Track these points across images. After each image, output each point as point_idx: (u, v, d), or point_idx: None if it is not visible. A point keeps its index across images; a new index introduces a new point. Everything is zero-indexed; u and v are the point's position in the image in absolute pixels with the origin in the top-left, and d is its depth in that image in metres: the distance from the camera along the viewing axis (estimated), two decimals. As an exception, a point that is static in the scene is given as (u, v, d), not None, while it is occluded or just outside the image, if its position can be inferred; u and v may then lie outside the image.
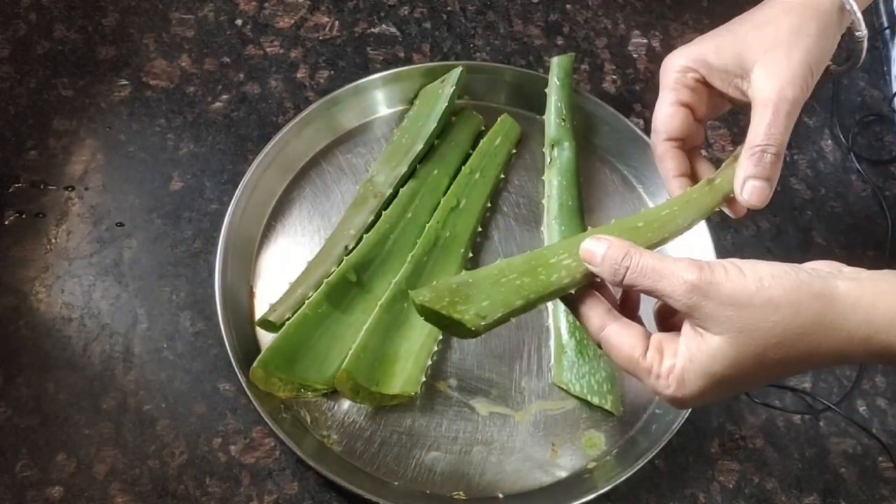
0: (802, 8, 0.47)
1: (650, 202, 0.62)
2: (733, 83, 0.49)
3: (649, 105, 0.67)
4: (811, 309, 0.37)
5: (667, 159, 0.51)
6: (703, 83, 0.50)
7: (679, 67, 0.49)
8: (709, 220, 0.59)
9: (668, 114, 0.50)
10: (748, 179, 0.46)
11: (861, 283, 0.37)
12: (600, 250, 0.41)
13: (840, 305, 0.37)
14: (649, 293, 0.40)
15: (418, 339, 0.54)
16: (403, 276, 0.54)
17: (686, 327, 0.39)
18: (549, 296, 0.43)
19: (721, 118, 0.67)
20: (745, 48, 0.47)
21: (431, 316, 0.42)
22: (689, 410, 0.52)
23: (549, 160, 0.61)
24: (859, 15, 0.48)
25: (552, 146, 0.61)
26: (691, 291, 0.37)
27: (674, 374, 0.39)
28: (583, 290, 0.43)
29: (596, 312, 0.42)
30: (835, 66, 0.51)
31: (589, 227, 0.47)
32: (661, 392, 0.40)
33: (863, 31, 0.48)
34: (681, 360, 0.39)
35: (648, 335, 0.41)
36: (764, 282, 0.37)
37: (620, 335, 0.41)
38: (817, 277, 0.38)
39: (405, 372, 0.53)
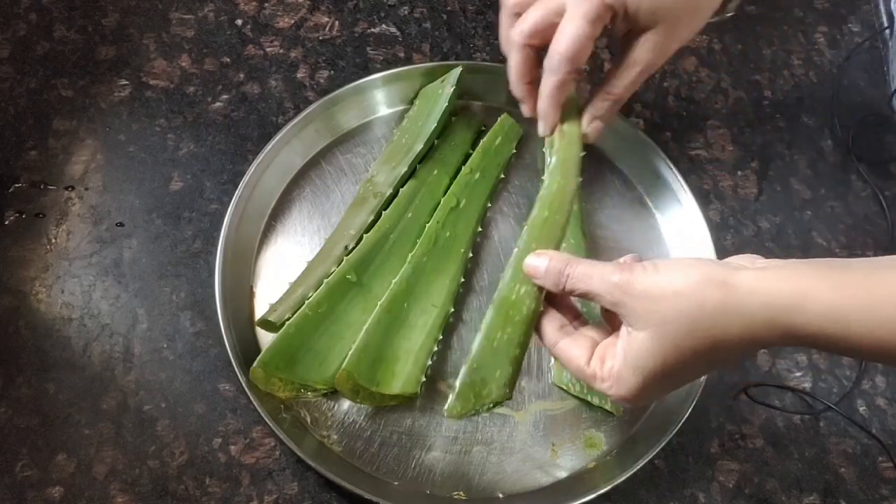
0: None
1: (650, 202, 0.62)
2: (623, 27, 0.49)
3: (649, 105, 0.67)
4: (714, 297, 0.39)
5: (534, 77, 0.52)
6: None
7: (602, 4, 0.47)
8: (709, 221, 0.59)
9: (585, 47, 0.48)
10: (595, 119, 0.52)
11: (765, 270, 0.39)
12: (542, 264, 0.46)
13: (739, 292, 0.39)
14: (585, 296, 0.44)
15: (418, 339, 0.54)
16: (403, 276, 0.54)
17: (622, 329, 0.43)
18: (532, 327, 0.48)
19: (721, 118, 0.67)
20: (656, 9, 0.48)
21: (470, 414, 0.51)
22: (689, 411, 0.52)
23: (549, 160, 0.61)
24: None
25: (552, 146, 0.61)
26: (614, 289, 0.41)
27: (613, 374, 0.43)
28: (540, 310, 0.48)
29: (550, 329, 0.47)
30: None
31: (517, 247, 0.50)
32: (606, 393, 0.44)
33: (729, 11, 0.53)
34: (618, 361, 0.42)
35: (596, 344, 0.45)
36: (674, 276, 0.40)
37: (570, 348, 0.45)
38: (723, 267, 0.40)
39: (405, 372, 0.53)
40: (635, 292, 0.41)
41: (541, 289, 0.47)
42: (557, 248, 0.50)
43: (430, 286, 0.55)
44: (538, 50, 0.51)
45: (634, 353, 0.41)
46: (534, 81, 0.52)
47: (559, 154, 0.52)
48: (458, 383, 0.50)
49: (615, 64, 0.51)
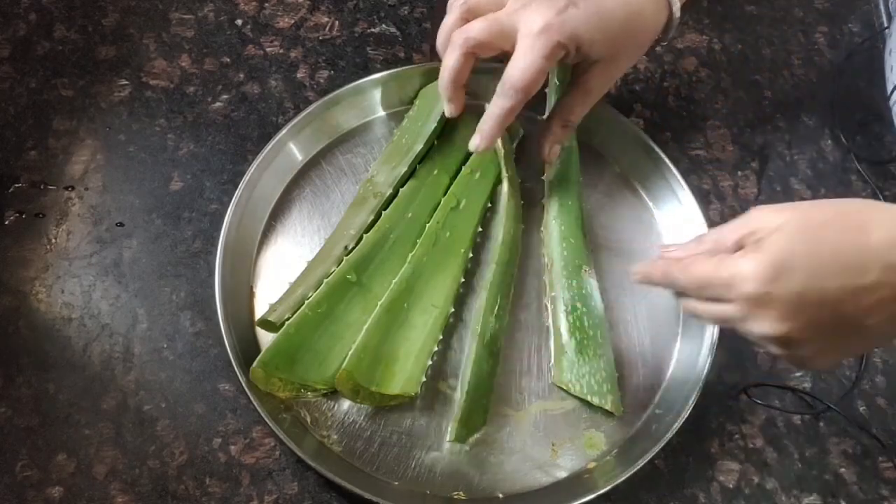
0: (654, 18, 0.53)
1: (650, 202, 0.62)
2: (575, 59, 0.52)
3: (649, 105, 0.67)
4: (849, 205, 0.43)
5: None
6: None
7: (558, 43, 0.49)
8: (709, 221, 0.59)
9: (538, 79, 0.50)
10: (555, 144, 0.57)
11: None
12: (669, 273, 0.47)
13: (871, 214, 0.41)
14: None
15: (418, 339, 0.54)
16: (404, 276, 0.54)
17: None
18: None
19: (721, 118, 0.67)
20: (607, 44, 0.51)
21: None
22: (689, 411, 0.52)
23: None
24: (676, 21, 0.54)
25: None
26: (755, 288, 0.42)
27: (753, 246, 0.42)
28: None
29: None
30: None
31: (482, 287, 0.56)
32: (739, 270, 0.42)
33: (669, 36, 0.55)
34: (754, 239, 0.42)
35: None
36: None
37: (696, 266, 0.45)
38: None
39: (405, 372, 0.53)
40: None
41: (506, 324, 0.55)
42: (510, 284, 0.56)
43: (430, 286, 0.55)
44: (477, 58, 0.52)
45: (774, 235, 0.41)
46: (466, 86, 0.55)
47: (506, 207, 0.58)
48: (458, 411, 0.51)
49: (569, 92, 0.55)
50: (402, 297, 0.54)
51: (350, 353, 0.51)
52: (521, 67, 0.50)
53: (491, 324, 0.54)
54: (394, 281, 0.54)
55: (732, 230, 0.44)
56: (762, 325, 0.42)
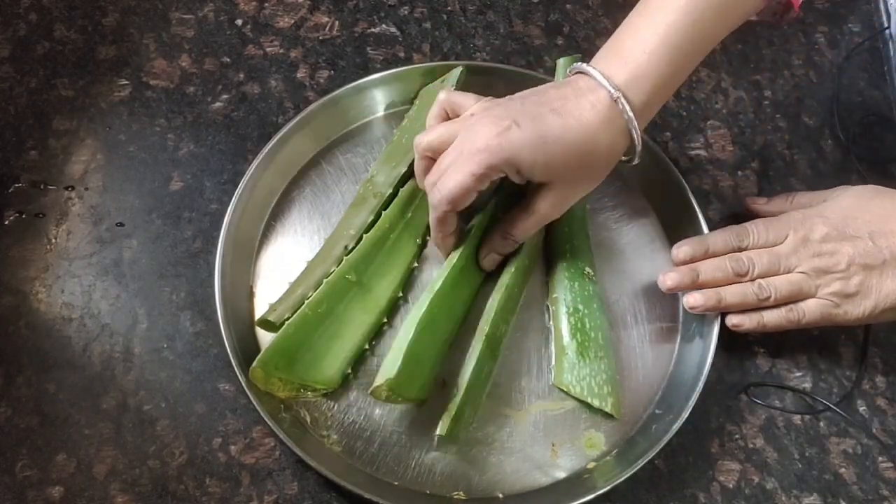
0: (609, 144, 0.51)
1: (650, 203, 0.62)
2: (519, 180, 0.51)
3: (649, 105, 0.67)
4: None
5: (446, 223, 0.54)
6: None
7: (491, 166, 0.49)
8: (709, 221, 0.59)
9: (466, 195, 0.50)
10: (492, 253, 0.56)
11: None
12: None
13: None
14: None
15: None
16: (403, 278, 0.54)
17: None
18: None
19: (720, 118, 0.67)
20: (550, 169, 0.50)
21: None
22: (689, 411, 0.52)
23: None
24: (639, 149, 0.52)
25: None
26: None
27: None
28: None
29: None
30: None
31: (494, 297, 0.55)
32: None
33: (634, 161, 0.53)
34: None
35: None
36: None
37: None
38: None
39: (425, 376, 0.53)
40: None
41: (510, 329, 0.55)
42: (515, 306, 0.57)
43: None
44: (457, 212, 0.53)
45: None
46: (456, 230, 0.55)
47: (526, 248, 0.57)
48: (452, 406, 0.51)
49: (517, 209, 0.54)
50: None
51: (398, 363, 0.50)
52: (450, 183, 0.49)
53: (499, 326, 0.54)
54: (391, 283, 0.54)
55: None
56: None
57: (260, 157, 0.58)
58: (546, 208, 0.52)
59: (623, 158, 0.53)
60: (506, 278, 0.56)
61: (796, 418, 0.57)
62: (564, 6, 0.71)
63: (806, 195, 0.60)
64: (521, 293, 0.57)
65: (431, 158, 0.52)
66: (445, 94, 0.54)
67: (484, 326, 0.54)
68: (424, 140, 0.52)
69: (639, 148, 0.51)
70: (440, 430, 0.50)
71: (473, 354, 0.52)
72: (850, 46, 0.72)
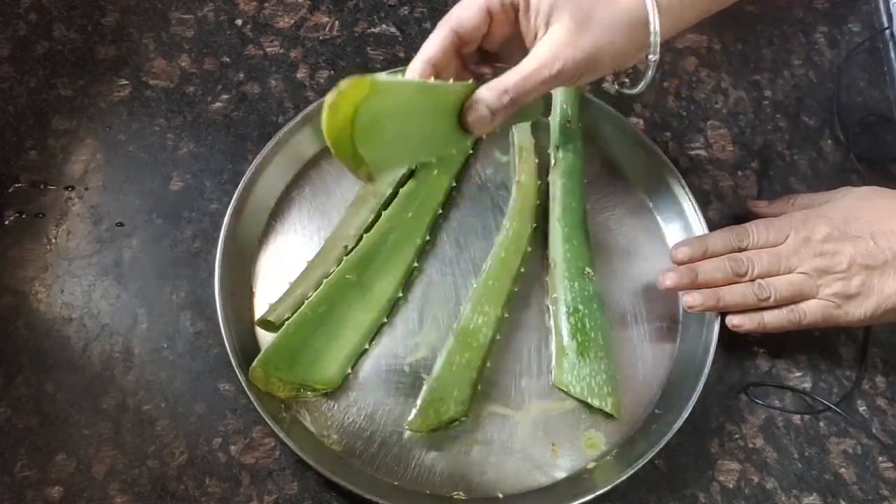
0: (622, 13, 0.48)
1: (650, 203, 0.62)
2: (534, 23, 0.48)
3: (650, 105, 0.67)
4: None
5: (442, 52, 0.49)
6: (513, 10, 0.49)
7: None
8: (708, 221, 0.59)
9: (470, 18, 0.48)
10: (478, 103, 0.47)
11: None
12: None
13: None
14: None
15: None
16: (403, 278, 0.54)
17: None
18: (488, 353, 0.55)
19: (720, 118, 0.67)
20: (570, 10, 0.47)
21: None
22: (689, 411, 0.52)
23: (553, 162, 0.61)
24: (658, 38, 0.48)
25: (557, 148, 0.61)
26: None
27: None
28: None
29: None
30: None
31: (475, 283, 0.56)
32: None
33: (655, 56, 0.49)
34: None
35: None
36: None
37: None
38: None
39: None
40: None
41: (497, 320, 0.54)
42: (512, 288, 0.56)
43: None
44: (458, 43, 0.49)
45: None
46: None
47: (516, 203, 0.58)
48: (419, 401, 0.52)
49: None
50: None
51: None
52: (465, 9, 0.48)
53: (470, 317, 0.54)
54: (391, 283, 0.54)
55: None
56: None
57: (260, 157, 0.58)
58: (544, 51, 0.47)
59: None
60: (488, 263, 0.56)
61: (796, 418, 0.57)
62: (564, 6, 0.71)
63: (807, 196, 0.60)
64: (507, 287, 0.56)
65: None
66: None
67: (458, 319, 0.54)
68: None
69: (656, 34, 0.48)
70: (408, 423, 0.51)
71: (445, 347, 0.53)
72: (850, 46, 0.72)
